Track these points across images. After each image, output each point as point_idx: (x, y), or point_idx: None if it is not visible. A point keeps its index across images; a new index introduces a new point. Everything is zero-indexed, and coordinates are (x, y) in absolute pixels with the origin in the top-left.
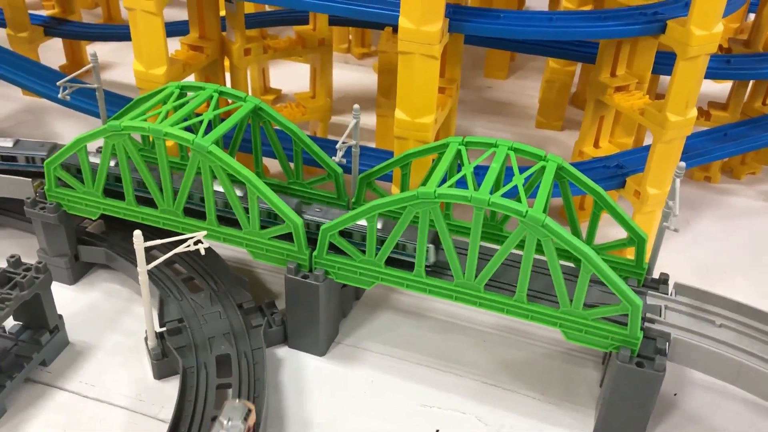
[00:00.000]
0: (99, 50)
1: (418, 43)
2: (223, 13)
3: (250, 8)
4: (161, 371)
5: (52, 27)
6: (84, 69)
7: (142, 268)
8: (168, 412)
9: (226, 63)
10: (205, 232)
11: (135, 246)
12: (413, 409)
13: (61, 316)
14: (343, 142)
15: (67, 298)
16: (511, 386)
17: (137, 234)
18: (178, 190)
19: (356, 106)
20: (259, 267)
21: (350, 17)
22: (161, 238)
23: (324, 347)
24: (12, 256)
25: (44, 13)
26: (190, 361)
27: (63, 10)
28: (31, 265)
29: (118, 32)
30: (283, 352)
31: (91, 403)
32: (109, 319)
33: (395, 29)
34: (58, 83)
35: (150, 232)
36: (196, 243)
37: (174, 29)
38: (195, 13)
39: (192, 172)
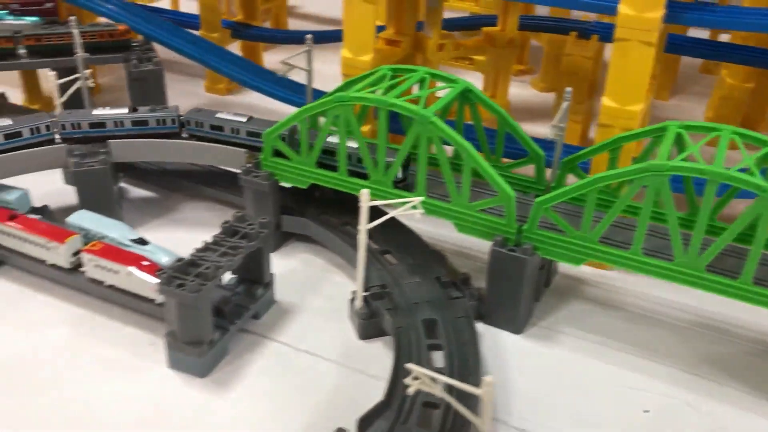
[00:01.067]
0: (276, 58)
1: (637, 30)
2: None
3: None
4: (366, 332)
5: (238, 30)
6: (298, 53)
7: (363, 227)
8: (376, 370)
9: None
10: (422, 198)
11: (361, 204)
12: (619, 390)
13: (273, 274)
14: (557, 124)
15: None
16: (716, 378)
17: (364, 192)
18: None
19: (568, 88)
20: (444, 248)
21: (567, 7)
22: (352, 214)
23: (521, 325)
24: (238, 211)
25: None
26: (400, 321)
27: (246, 16)
28: (254, 221)
29: (296, 36)
30: (479, 327)
31: (303, 355)
32: (308, 285)
33: (582, 35)
34: (280, 62)
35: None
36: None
37: None
38: (393, 10)
39: (410, 142)
